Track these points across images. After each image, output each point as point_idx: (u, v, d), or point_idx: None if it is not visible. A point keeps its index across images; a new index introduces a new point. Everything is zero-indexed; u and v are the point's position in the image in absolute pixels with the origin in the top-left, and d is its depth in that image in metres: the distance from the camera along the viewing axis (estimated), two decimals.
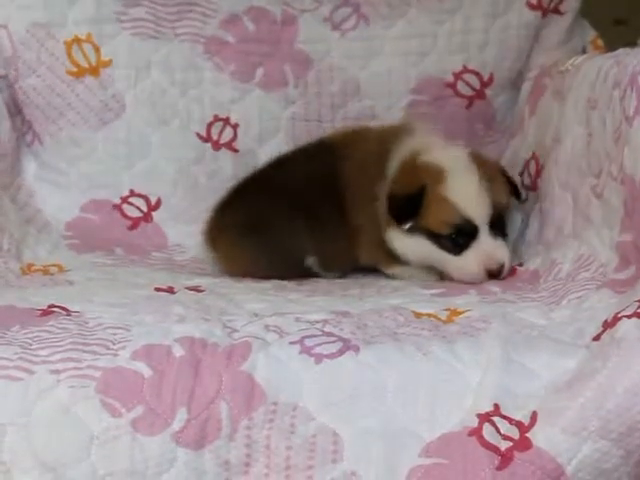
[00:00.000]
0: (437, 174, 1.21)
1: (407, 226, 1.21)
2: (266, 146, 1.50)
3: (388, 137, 1.30)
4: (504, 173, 1.28)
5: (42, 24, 1.44)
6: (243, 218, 1.32)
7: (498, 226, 1.22)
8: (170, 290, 1.16)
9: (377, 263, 1.30)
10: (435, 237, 1.21)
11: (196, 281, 1.23)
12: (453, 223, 1.20)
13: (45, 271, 1.27)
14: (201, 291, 1.17)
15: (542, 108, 1.33)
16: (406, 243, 1.24)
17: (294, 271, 1.28)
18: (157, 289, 1.16)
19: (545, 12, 1.46)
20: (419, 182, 1.21)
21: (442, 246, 1.21)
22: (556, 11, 1.46)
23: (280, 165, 1.37)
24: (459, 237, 1.21)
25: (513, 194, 1.27)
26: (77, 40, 1.45)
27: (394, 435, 0.86)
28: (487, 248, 1.20)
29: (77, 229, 1.44)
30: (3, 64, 1.44)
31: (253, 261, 1.29)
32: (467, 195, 1.20)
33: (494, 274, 1.20)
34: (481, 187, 1.20)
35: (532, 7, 1.46)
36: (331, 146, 1.34)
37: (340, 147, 1.33)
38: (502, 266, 1.20)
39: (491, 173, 1.23)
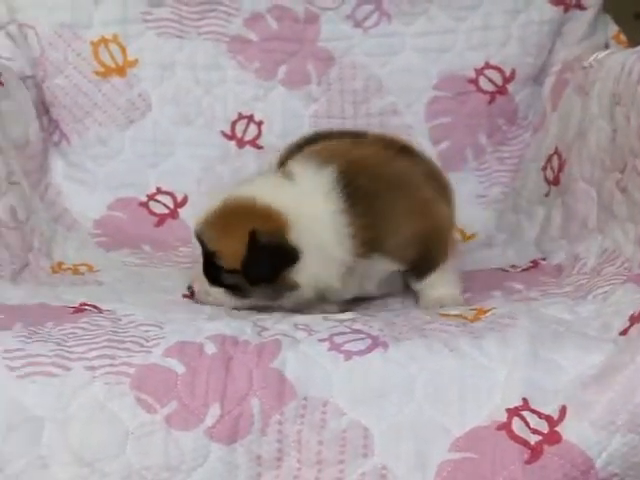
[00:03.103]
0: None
1: None
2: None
3: None
4: (253, 243, 1.05)
5: (69, 25, 1.46)
6: None
7: (207, 268, 1.11)
8: None
9: None
10: None
11: None
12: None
13: (75, 270, 1.29)
14: None
15: (565, 103, 1.34)
16: None
17: None
18: (185, 296, 1.17)
19: (567, 7, 1.46)
20: None
21: None
22: (578, 6, 1.47)
23: None
24: None
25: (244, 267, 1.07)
26: (103, 40, 1.47)
27: (423, 430, 0.88)
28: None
29: (105, 227, 1.46)
30: (31, 64, 1.46)
31: None
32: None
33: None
34: (204, 226, 1.10)
35: (554, 2, 1.46)
36: None
37: None
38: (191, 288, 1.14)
39: (232, 228, 1.07)
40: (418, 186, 1.13)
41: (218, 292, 1.11)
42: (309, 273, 1.06)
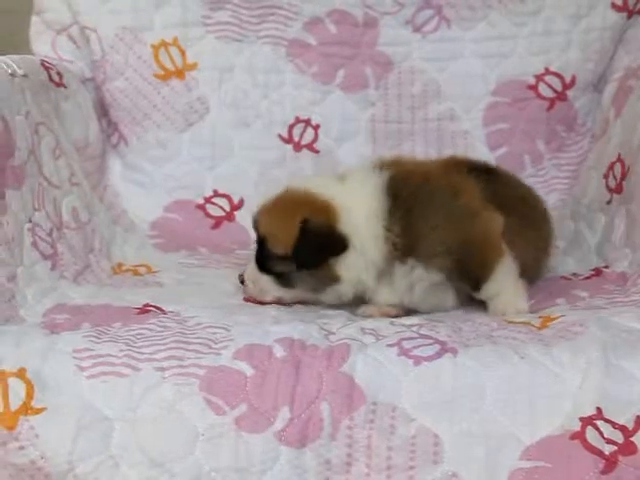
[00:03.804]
0: None
1: None
2: (346, 147, 1.51)
3: None
4: (305, 229, 1.10)
5: (130, 28, 1.47)
6: None
7: (259, 254, 1.16)
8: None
9: None
10: None
11: None
12: None
13: (135, 271, 1.30)
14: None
15: (629, 110, 1.32)
16: None
17: None
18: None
19: (631, 13, 1.45)
20: None
21: None
22: None
23: None
24: None
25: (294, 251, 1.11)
26: (164, 44, 1.48)
27: (494, 437, 0.87)
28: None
29: (161, 229, 1.46)
30: (91, 67, 1.48)
31: None
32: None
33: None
34: (259, 213, 1.16)
35: (617, 8, 1.45)
36: None
37: None
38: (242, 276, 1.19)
39: (286, 215, 1.12)
40: (461, 198, 1.12)
41: (265, 280, 1.15)
42: (351, 267, 1.11)
